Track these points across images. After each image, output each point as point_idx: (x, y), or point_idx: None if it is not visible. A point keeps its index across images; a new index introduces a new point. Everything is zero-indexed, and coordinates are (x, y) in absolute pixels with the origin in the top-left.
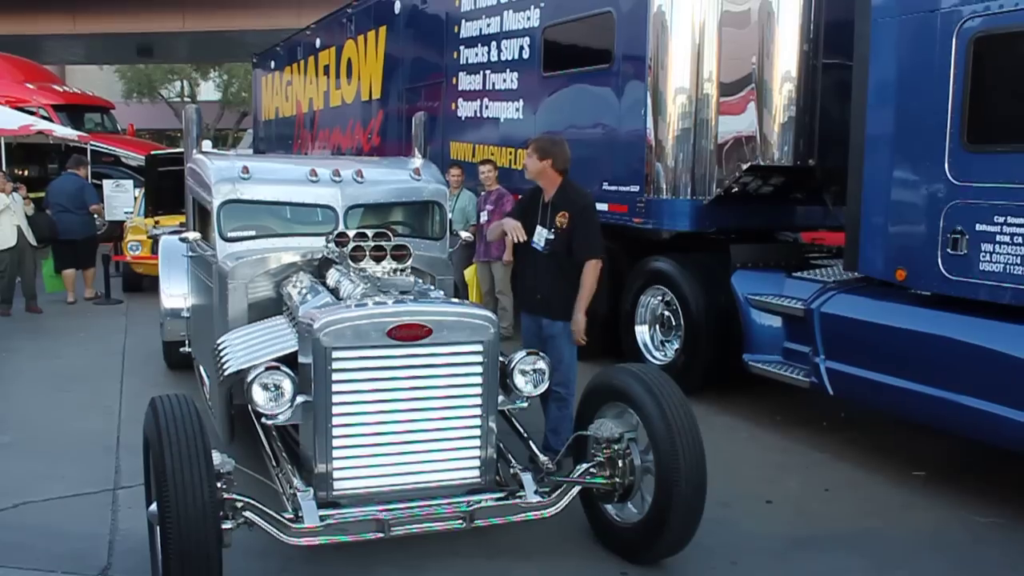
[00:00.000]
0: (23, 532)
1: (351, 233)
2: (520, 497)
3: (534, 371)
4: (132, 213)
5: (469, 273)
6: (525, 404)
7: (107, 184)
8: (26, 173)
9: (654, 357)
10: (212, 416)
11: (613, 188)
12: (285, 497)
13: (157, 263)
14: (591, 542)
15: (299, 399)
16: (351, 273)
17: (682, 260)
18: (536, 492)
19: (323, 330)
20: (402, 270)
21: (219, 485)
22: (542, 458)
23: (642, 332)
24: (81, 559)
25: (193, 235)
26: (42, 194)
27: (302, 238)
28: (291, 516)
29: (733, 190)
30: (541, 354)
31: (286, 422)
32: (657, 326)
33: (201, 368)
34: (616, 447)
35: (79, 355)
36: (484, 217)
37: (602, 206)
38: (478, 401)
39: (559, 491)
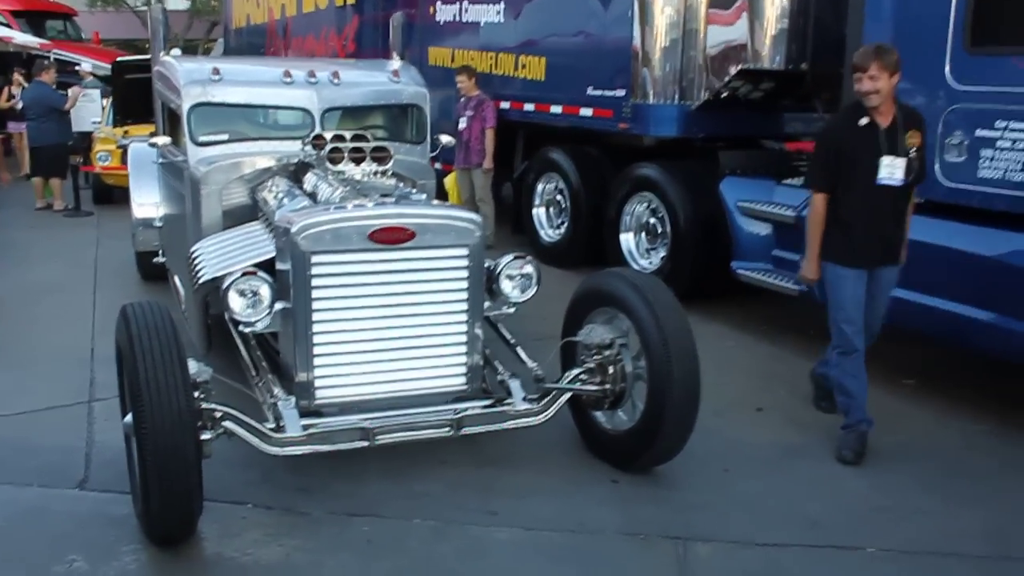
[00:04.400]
0: None
1: (328, 135)
2: (509, 405)
3: (521, 276)
4: (100, 123)
5: (449, 181)
6: (512, 310)
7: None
8: None
9: (639, 265)
10: (188, 326)
11: (598, 93)
12: (266, 407)
13: (127, 173)
14: (580, 450)
15: (277, 305)
16: (329, 177)
17: (669, 167)
18: (524, 399)
19: (301, 234)
20: (383, 173)
21: (196, 395)
22: (530, 364)
23: (627, 240)
24: (57, 472)
25: (163, 140)
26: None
27: (277, 142)
28: (273, 426)
29: (723, 95)
30: (528, 257)
31: (264, 330)
32: (643, 233)
33: (176, 278)
34: (607, 353)
35: (50, 268)
36: (463, 124)
37: (586, 111)
38: (463, 307)
39: (548, 398)
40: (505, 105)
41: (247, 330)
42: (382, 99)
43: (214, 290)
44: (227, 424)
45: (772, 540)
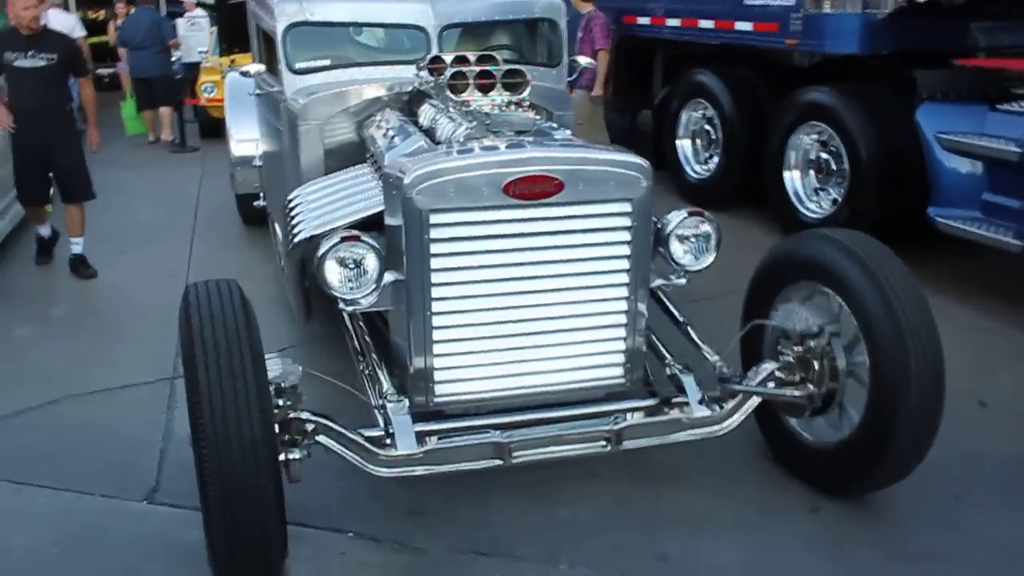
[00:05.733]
0: (59, 437)
1: (448, 58)
2: (679, 407)
3: (696, 237)
4: (207, 52)
5: None
6: (683, 280)
7: (180, 22)
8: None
9: (807, 209)
10: (286, 289)
11: (760, 2)
12: (375, 409)
13: None
14: (767, 463)
15: (387, 277)
16: (451, 109)
17: (849, 91)
18: (702, 402)
19: (416, 186)
20: (517, 104)
21: (282, 402)
22: (711, 357)
23: (792, 178)
24: (125, 476)
25: (256, 68)
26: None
27: (386, 67)
28: (380, 434)
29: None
30: (707, 215)
31: (370, 308)
32: (811, 171)
33: (276, 226)
34: (812, 344)
35: (148, 211)
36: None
37: (744, 25)
38: (624, 278)
39: (734, 403)
40: (644, 21)
41: (349, 308)
42: (511, 12)
43: (312, 251)
44: (321, 439)
45: None
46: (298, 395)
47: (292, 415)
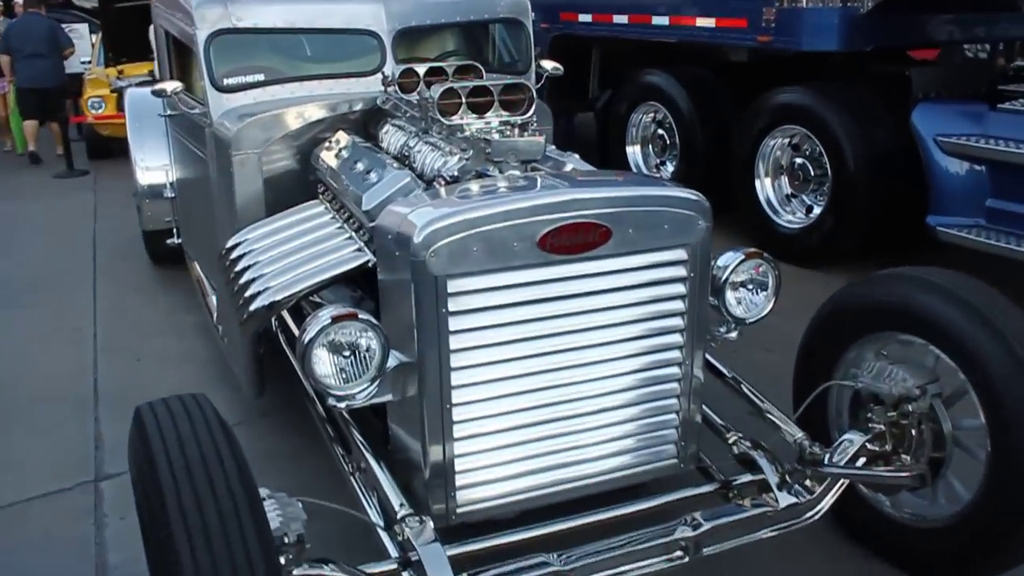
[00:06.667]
0: None
1: (420, 69)
2: (753, 492)
3: (752, 283)
4: (91, 63)
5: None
6: (734, 335)
7: None
8: None
9: (782, 219)
10: (229, 357)
11: None
12: (381, 531)
13: (125, 122)
14: (850, 543)
15: (391, 361)
16: (433, 133)
17: (829, 91)
18: (782, 486)
19: (430, 246)
20: (522, 126)
21: (284, 560)
22: (794, 434)
23: (764, 187)
24: None
25: (172, 85)
26: None
27: (332, 81)
28: (393, 568)
29: None
30: (766, 256)
31: (368, 403)
32: (784, 177)
33: (199, 269)
34: (911, 407)
35: (38, 251)
36: None
37: (706, 21)
38: (679, 339)
39: (823, 486)
40: (585, 17)
41: (342, 405)
42: (472, 13)
43: (268, 318)
44: None
45: None
46: (303, 546)
47: (296, 573)
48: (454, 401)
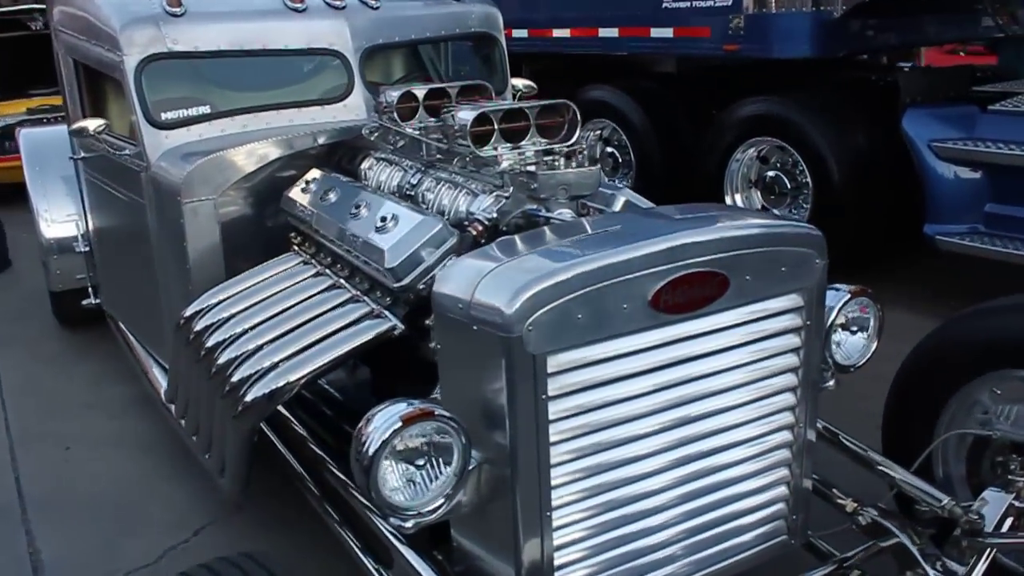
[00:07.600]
0: None
1: (420, 92)
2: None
3: (855, 325)
4: None
5: None
6: (831, 383)
7: None
8: None
9: None
10: (194, 445)
11: (683, 5)
12: None
13: (12, 166)
14: None
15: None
16: (451, 166)
17: (805, 100)
18: (929, 557)
19: (527, 319)
20: (567, 155)
21: None
22: (942, 500)
23: (735, 203)
24: None
25: (94, 123)
26: None
27: (292, 111)
28: None
29: None
30: (870, 292)
31: (445, 517)
32: (756, 191)
33: (130, 336)
34: None
35: None
36: None
37: (662, 31)
38: (791, 399)
39: (976, 558)
40: (521, 33)
41: (408, 525)
42: (443, 28)
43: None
44: None
45: None
46: None
47: None
48: (554, 504)
